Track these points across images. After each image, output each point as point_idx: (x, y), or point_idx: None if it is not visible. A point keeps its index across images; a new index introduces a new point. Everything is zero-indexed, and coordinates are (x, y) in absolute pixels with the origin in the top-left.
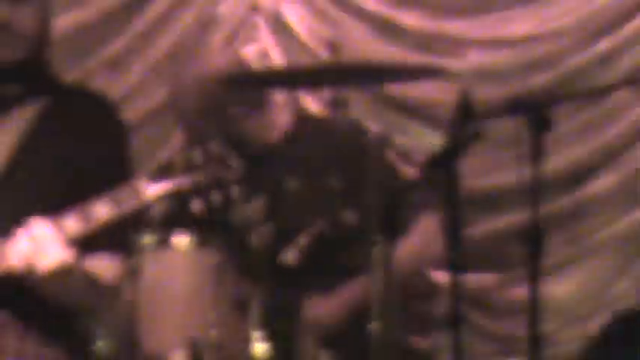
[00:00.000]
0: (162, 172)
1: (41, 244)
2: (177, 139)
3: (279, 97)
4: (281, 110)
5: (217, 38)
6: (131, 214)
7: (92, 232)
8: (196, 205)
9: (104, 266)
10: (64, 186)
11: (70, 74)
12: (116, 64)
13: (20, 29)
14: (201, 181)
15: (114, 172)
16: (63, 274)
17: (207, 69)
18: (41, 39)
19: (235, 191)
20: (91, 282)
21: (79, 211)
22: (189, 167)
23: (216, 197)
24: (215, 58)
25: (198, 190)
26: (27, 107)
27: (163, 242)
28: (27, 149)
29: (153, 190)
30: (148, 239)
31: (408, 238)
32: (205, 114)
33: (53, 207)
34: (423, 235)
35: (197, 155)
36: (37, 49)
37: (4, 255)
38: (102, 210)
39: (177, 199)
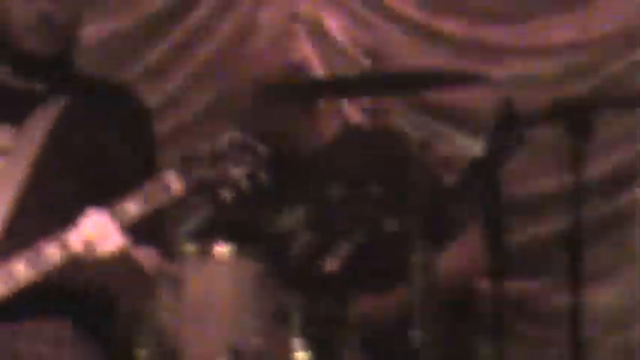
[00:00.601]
0: (187, 164)
1: (103, 231)
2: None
3: (323, 104)
4: (326, 117)
5: (261, 45)
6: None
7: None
8: (225, 196)
9: (145, 255)
10: (94, 179)
11: None
12: (156, 73)
13: (57, 23)
14: (228, 170)
15: (142, 161)
16: (120, 259)
17: (255, 72)
18: (73, 35)
19: (264, 179)
20: (138, 269)
21: (111, 207)
22: (214, 157)
23: (244, 186)
24: (264, 62)
25: (226, 180)
26: (55, 102)
27: (205, 251)
28: (56, 144)
29: (182, 183)
30: (189, 248)
31: (453, 249)
32: (253, 117)
33: (84, 200)
34: (468, 246)
35: (222, 144)
36: (69, 44)
37: (67, 241)
38: (132, 206)
39: (207, 191)
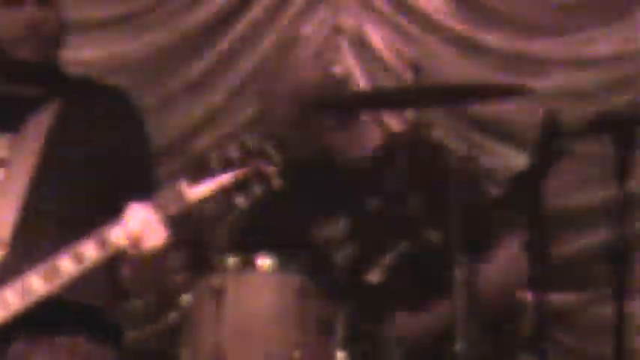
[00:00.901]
0: (198, 169)
1: (149, 225)
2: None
3: (366, 116)
4: (368, 129)
5: (304, 57)
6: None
7: None
8: (240, 201)
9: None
10: (94, 181)
11: (151, 96)
12: (198, 86)
13: (45, 31)
14: (241, 175)
15: (137, 159)
16: (162, 253)
17: (298, 83)
18: (59, 41)
19: (277, 183)
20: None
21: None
22: (225, 163)
23: (258, 191)
24: (306, 73)
25: (239, 186)
26: (48, 107)
27: (247, 263)
28: (53, 148)
29: (196, 192)
30: (231, 260)
31: (494, 261)
32: (295, 127)
33: (85, 203)
34: (509, 257)
35: (233, 150)
36: (56, 51)
37: (113, 236)
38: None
39: (222, 198)
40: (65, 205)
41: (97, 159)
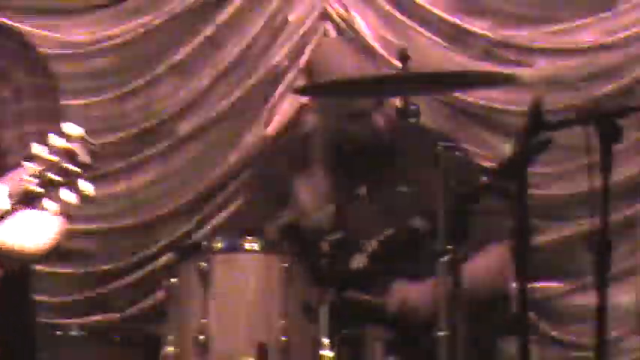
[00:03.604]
0: None
1: None
2: (246, 141)
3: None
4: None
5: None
6: None
7: None
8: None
9: None
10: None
11: (137, 79)
12: (184, 70)
13: None
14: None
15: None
16: None
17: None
18: None
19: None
20: None
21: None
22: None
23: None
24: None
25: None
26: None
27: (234, 247)
28: None
29: None
30: (219, 243)
31: (482, 251)
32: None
33: None
34: (497, 247)
35: (37, 147)
36: None
37: None
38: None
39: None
40: None
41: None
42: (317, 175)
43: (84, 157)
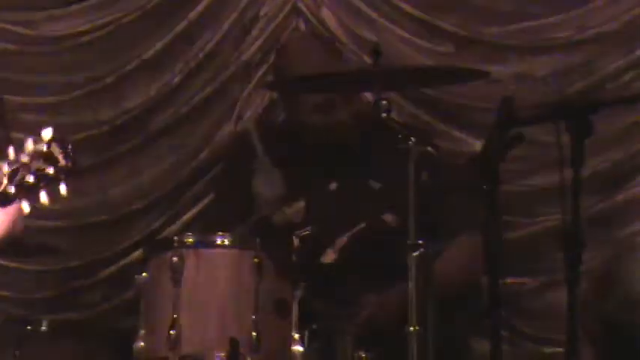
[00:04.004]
0: None
1: None
2: (217, 137)
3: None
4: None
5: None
6: None
7: None
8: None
9: None
10: None
11: (108, 74)
12: (156, 65)
13: None
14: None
15: None
16: None
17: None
18: None
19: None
20: None
21: None
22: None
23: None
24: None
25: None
26: None
27: (205, 242)
28: None
29: None
30: (190, 238)
31: (452, 246)
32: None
33: None
34: (467, 243)
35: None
36: None
37: None
38: None
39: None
40: None
41: None
42: (271, 168)
43: (62, 160)
